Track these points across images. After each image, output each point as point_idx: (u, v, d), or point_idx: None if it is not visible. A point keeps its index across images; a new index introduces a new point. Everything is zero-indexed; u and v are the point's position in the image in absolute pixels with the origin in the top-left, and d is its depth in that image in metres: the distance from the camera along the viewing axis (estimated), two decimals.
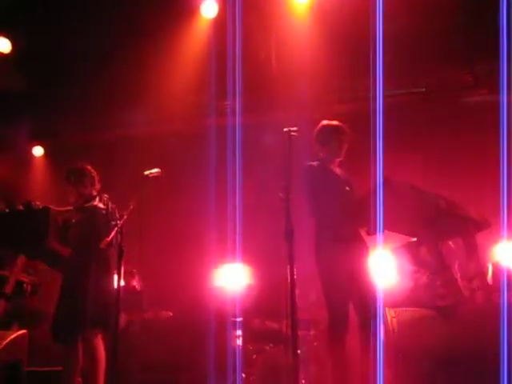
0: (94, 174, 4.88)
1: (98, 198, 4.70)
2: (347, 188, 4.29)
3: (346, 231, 4.06)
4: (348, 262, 4.03)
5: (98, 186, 4.87)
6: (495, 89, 6.33)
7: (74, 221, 4.58)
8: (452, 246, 4.61)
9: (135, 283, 6.97)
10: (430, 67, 6.85)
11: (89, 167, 4.89)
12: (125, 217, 4.02)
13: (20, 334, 3.95)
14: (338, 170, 4.39)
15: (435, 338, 3.17)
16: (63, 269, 4.58)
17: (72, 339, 4.40)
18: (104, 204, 4.67)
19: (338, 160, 4.41)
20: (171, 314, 6.82)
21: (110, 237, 4.03)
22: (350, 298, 4.04)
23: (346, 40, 6.26)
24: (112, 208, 4.65)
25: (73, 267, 4.49)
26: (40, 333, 4.90)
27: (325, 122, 4.44)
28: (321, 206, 4.13)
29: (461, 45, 6.40)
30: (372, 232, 3.96)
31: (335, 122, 4.41)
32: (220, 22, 6.27)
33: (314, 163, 4.32)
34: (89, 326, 4.39)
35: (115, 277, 4.22)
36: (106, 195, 4.77)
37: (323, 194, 4.14)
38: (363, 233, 4.15)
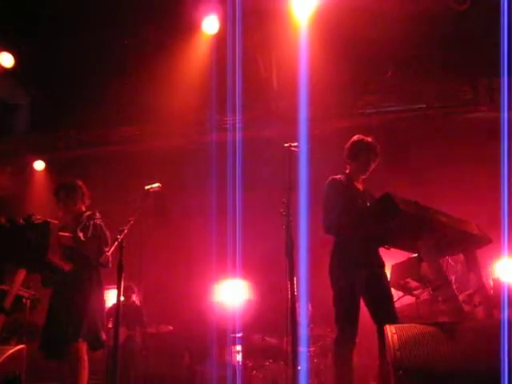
0: (85, 189, 4.88)
1: (97, 215, 4.71)
2: (368, 204, 4.25)
3: (360, 247, 4.01)
4: (362, 279, 4.01)
5: (87, 202, 4.88)
6: (495, 105, 6.39)
7: (74, 235, 4.57)
8: (451, 262, 4.60)
9: (134, 298, 6.95)
10: (430, 83, 6.89)
11: (79, 183, 4.89)
12: (125, 231, 4.02)
13: (18, 349, 3.92)
14: (361, 187, 4.35)
15: (436, 354, 3.15)
16: (57, 282, 4.57)
17: (62, 353, 4.39)
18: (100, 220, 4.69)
19: (363, 177, 4.36)
20: (171, 328, 6.79)
21: (110, 251, 4.03)
22: (359, 315, 4.02)
23: (346, 56, 6.30)
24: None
25: (68, 281, 4.49)
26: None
27: (357, 137, 4.38)
28: (341, 221, 4.06)
29: (461, 61, 6.44)
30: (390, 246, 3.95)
31: (368, 138, 4.36)
32: (221, 39, 6.32)
33: (338, 177, 4.28)
34: (77, 339, 4.39)
35: (107, 292, 4.24)
36: (97, 211, 4.78)
37: (344, 209, 4.07)
38: (382, 248, 4.11)
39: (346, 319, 4.01)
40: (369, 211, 3.91)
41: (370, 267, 4.10)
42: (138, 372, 6.28)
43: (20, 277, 4.19)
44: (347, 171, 4.32)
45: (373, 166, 4.31)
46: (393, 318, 3.86)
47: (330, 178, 4.24)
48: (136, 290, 6.96)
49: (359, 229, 3.86)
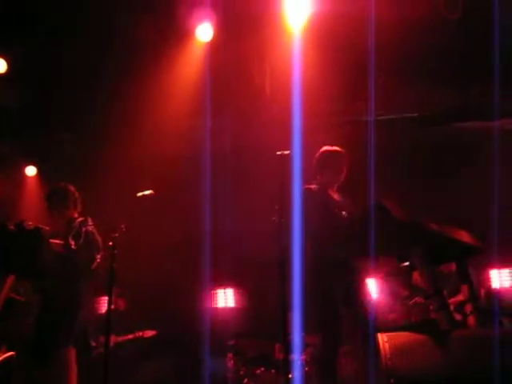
0: (77, 195, 4.86)
1: (89, 221, 4.69)
2: (344, 213, 4.29)
3: (340, 256, 4.05)
4: (342, 287, 4.01)
5: (79, 207, 4.86)
6: (487, 113, 6.43)
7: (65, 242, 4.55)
8: (443, 270, 4.62)
9: (120, 303, 6.87)
10: (422, 92, 6.92)
11: (72, 188, 4.86)
12: (117, 238, 4.01)
13: (8, 356, 3.90)
14: (336, 195, 4.39)
15: (428, 364, 3.15)
16: (48, 288, 4.55)
17: (49, 358, 4.36)
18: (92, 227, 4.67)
19: (337, 185, 4.42)
20: (155, 333, 6.70)
21: (100, 258, 4.03)
22: (341, 323, 4.02)
23: (340, 65, 6.32)
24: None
25: (59, 287, 4.47)
26: None
27: (326, 148, 4.46)
28: (316, 230, 4.11)
29: (453, 70, 6.48)
30: (364, 256, 3.96)
31: (336, 148, 4.43)
32: (215, 46, 6.32)
33: (312, 186, 4.32)
34: (66, 345, 4.37)
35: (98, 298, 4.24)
36: (89, 217, 4.76)
37: (320, 217, 4.13)
38: (358, 257, 4.13)
39: (326, 331, 4.02)
40: (360, 220, 3.93)
41: (346, 275, 4.12)
42: (127, 379, 6.23)
43: (9, 283, 4.17)
44: (319, 180, 4.37)
45: (345, 172, 4.38)
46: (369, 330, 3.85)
47: (305, 188, 4.27)
48: (122, 295, 6.87)
49: (342, 239, 3.88)
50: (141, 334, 6.62)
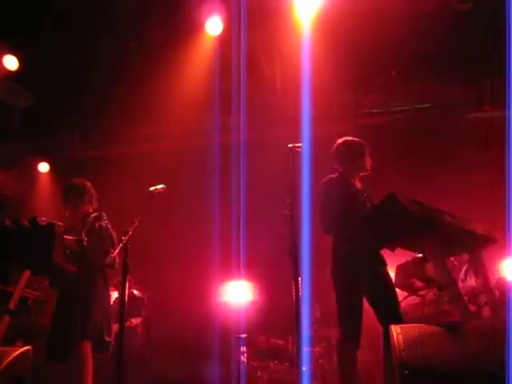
0: (93, 191, 4.89)
1: (104, 216, 4.72)
2: (368, 204, 4.27)
3: (363, 247, 4.02)
4: (365, 279, 4.01)
5: (95, 203, 4.89)
6: (499, 105, 6.38)
7: (78, 238, 4.58)
8: (455, 262, 4.59)
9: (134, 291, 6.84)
10: (434, 83, 6.88)
11: (88, 184, 4.89)
12: (130, 233, 4.03)
13: (24, 351, 3.94)
14: (359, 185, 4.37)
15: (441, 355, 3.14)
16: (63, 284, 4.59)
17: (67, 355, 4.39)
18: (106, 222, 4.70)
19: (359, 176, 4.39)
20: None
21: (115, 252, 4.04)
22: (362, 316, 4.02)
23: (350, 57, 6.30)
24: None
25: (74, 282, 4.50)
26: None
27: (345, 138, 4.42)
28: (340, 221, 4.08)
29: (465, 61, 6.43)
30: (379, 248, 3.95)
31: (355, 138, 4.40)
32: (225, 40, 6.32)
33: (334, 176, 4.30)
34: (82, 339, 4.40)
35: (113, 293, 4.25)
36: (104, 213, 4.78)
37: (343, 207, 4.09)
38: (385, 249, 4.12)
39: (349, 319, 4.02)
40: (373, 211, 3.92)
41: (372, 266, 4.11)
42: (142, 373, 6.26)
43: (25, 278, 4.20)
44: (341, 170, 4.34)
45: (366, 164, 4.35)
46: (397, 317, 3.86)
47: (328, 177, 4.26)
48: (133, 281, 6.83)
49: (361, 229, 3.87)
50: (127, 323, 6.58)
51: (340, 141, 4.44)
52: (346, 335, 4.01)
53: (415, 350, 3.15)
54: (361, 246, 3.96)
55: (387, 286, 4.12)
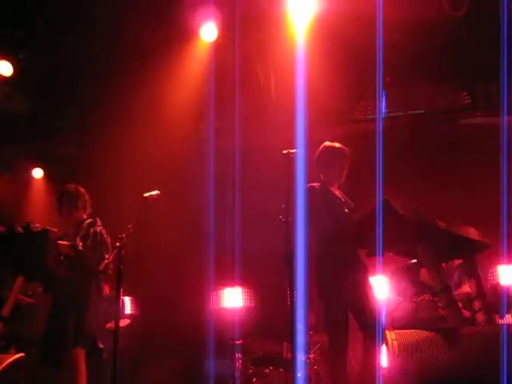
0: (87, 197, 4.89)
1: (98, 222, 4.71)
2: (346, 210, 4.29)
3: (345, 254, 4.04)
4: (349, 286, 4.00)
5: (89, 209, 4.88)
6: (493, 110, 6.41)
7: (73, 243, 4.56)
8: (449, 267, 4.60)
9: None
10: (428, 89, 6.90)
11: (82, 190, 4.89)
12: (124, 238, 4.02)
13: (18, 358, 3.92)
14: (337, 192, 4.39)
15: (436, 360, 3.15)
16: (56, 290, 4.57)
17: (61, 361, 4.38)
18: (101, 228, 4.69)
19: (338, 182, 4.41)
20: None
21: (110, 258, 4.03)
22: (349, 322, 4.02)
23: (344, 63, 6.31)
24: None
25: (67, 288, 4.48)
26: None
27: (327, 144, 4.43)
28: (321, 229, 4.11)
29: (459, 66, 6.46)
30: (372, 254, 3.95)
31: (337, 144, 4.41)
32: (219, 46, 6.33)
33: (315, 184, 4.32)
34: (75, 346, 4.38)
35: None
36: (98, 219, 4.77)
37: (324, 216, 4.12)
38: (363, 255, 4.13)
39: (334, 328, 4.01)
40: (367, 216, 3.92)
41: (356, 272, 4.11)
42: (136, 379, 6.24)
43: (18, 284, 4.18)
44: (322, 178, 4.36)
45: (347, 169, 4.37)
46: (374, 324, 3.84)
47: (308, 186, 4.27)
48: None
49: (353, 235, 3.88)
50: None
51: (321, 146, 4.46)
52: (334, 342, 4.01)
53: (410, 356, 3.15)
54: (346, 253, 3.98)
55: (366, 292, 4.10)
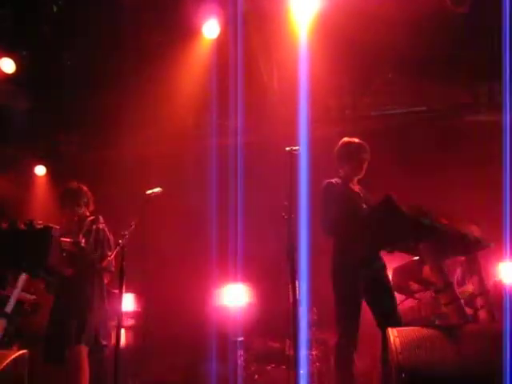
0: (89, 195, 4.90)
1: (101, 219, 4.72)
2: (364, 206, 4.27)
3: (364, 249, 4.02)
4: (367, 283, 4.02)
5: (91, 207, 4.89)
6: (495, 108, 6.40)
7: (75, 240, 4.57)
8: (451, 265, 4.59)
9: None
10: (431, 86, 6.89)
11: (85, 188, 4.90)
12: (126, 236, 4.03)
13: (20, 354, 3.92)
14: (357, 188, 4.37)
15: (439, 358, 3.14)
16: (59, 287, 4.58)
17: (63, 357, 4.39)
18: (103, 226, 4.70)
19: (357, 178, 4.38)
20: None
21: (112, 255, 4.04)
22: (360, 316, 4.03)
23: (347, 59, 6.31)
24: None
25: (70, 285, 4.49)
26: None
27: (346, 139, 4.40)
28: (339, 225, 4.07)
29: (461, 64, 6.45)
30: (391, 250, 3.95)
31: (356, 140, 4.38)
32: (222, 43, 6.32)
33: (334, 180, 4.29)
34: (78, 343, 4.39)
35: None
36: (101, 216, 4.78)
37: (342, 211, 4.09)
38: (383, 252, 4.12)
39: (347, 322, 4.02)
40: (370, 214, 3.92)
41: (372, 269, 4.11)
42: (138, 377, 6.25)
43: (21, 282, 4.19)
44: (341, 174, 4.34)
45: (366, 165, 4.35)
46: (396, 320, 3.87)
47: (325, 182, 4.26)
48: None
49: (361, 231, 3.87)
50: None
51: (340, 142, 4.44)
52: (344, 337, 4.01)
53: (412, 353, 3.15)
54: (361, 247, 3.96)
55: (386, 288, 4.13)
